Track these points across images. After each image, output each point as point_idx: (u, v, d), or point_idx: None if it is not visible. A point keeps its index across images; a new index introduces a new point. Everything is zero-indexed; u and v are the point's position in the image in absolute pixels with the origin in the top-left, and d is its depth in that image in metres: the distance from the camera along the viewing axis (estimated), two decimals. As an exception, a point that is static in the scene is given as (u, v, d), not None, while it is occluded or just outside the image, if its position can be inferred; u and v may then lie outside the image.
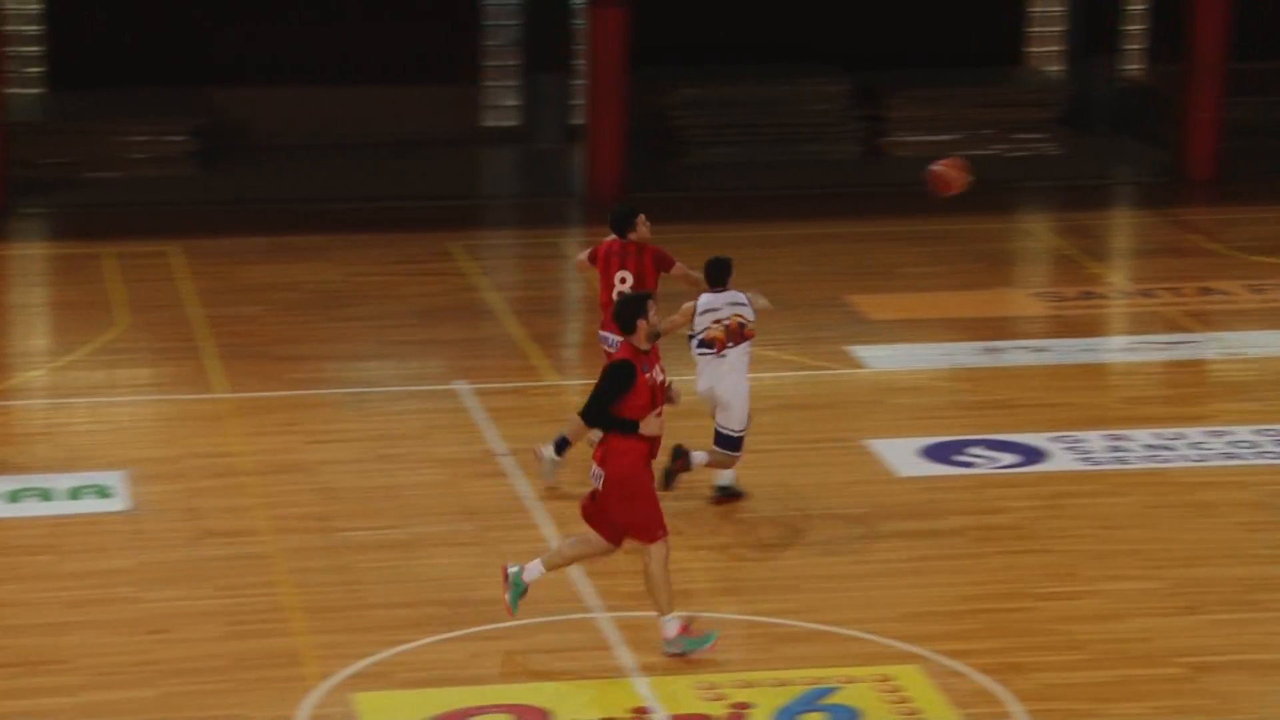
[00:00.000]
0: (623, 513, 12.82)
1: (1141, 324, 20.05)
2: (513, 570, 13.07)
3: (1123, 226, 24.28)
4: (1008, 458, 16.42)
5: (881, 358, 19.02)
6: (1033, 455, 16.45)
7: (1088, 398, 17.86)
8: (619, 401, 12.72)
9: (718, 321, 15.09)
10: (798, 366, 18.92)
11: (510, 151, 27.29)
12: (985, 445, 16.64)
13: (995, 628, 13.40)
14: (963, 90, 27.03)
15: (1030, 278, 21.84)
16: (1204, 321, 19.95)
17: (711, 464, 15.21)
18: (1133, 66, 28.41)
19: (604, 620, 13.38)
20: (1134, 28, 28.45)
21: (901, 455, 16.46)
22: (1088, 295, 20.86)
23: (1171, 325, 19.74)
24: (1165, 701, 12.34)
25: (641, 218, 15.78)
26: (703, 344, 15.09)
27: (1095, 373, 18.76)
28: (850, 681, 12.58)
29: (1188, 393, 17.73)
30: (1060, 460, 16.36)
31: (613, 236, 15.80)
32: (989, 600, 13.86)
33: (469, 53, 27.32)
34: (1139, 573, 14.24)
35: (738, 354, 15.08)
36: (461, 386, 17.98)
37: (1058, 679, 12.64)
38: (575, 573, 13.76)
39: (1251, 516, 15.19)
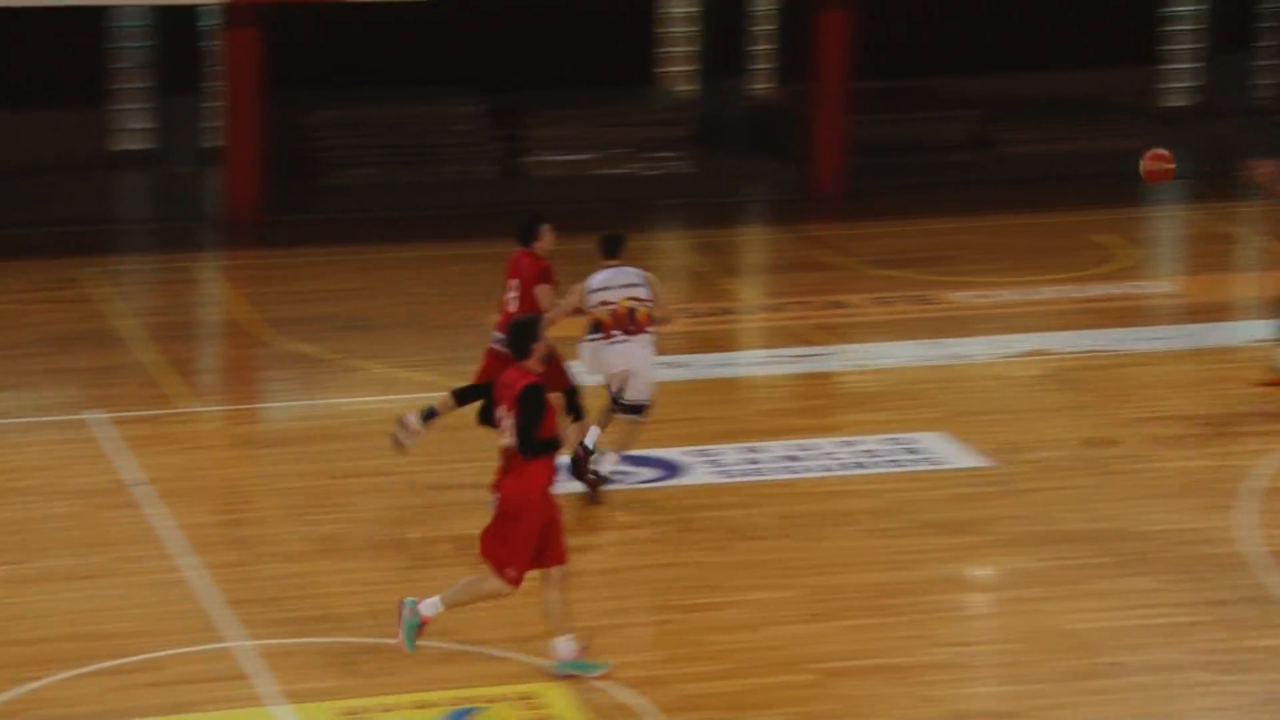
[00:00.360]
0: (500, 531, 12.63)
1: (773, 338, 20.36)
2: (409, 603, 12.76)
3: (754, 243, 24.62)
4: (647, 472, 16.52)
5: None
6: (671, 469, 16.58)
7: (723, 411, 18.06)
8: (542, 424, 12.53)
9: (606, 304, 15.15)
10: (441, 388, 18.81)
11: (143, 175, 26.83)
12: (624, 460, 16.71)
13: (637, 641, 13.49)
14: (598, 110, 27.21)
15: (666, 294, 21.98)
16: (833, 334, 20.29)
17: (625, 446, 15.55)
18: (762, 86, 28.86)
19: (244, 649, 13.17)
20: (762, 49, 28.91)
21: (546, 475, 16.48)
22: (721, 311, 21.10)
23: (802, 339, 20.05)
24: (798, 708, 12.50)
25: (547, 227, 15.66)
26: (596, 327, 15.17)
27: (730, 387, 18.98)
28: (493, 700, 12.55)
29: (818, 404, 18.02)
30: (698, 474, 16.51)
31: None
32: (630, 614, 13.93)
33: (97, 76, 26.80)
34: (775, 582, 14.40)
35: (643, 338, 15.24)
36: (93, 416, 17.59)
37: (697, 689, 12.74)
38: (211, 603, 13.54)
39: (882, 524, 15.46)
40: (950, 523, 15.48)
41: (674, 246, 23.87)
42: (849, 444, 17.05)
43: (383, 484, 16.30)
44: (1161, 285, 22.12)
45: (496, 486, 12.71)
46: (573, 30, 27.80)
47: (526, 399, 12.52)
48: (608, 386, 15.58)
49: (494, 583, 12.68)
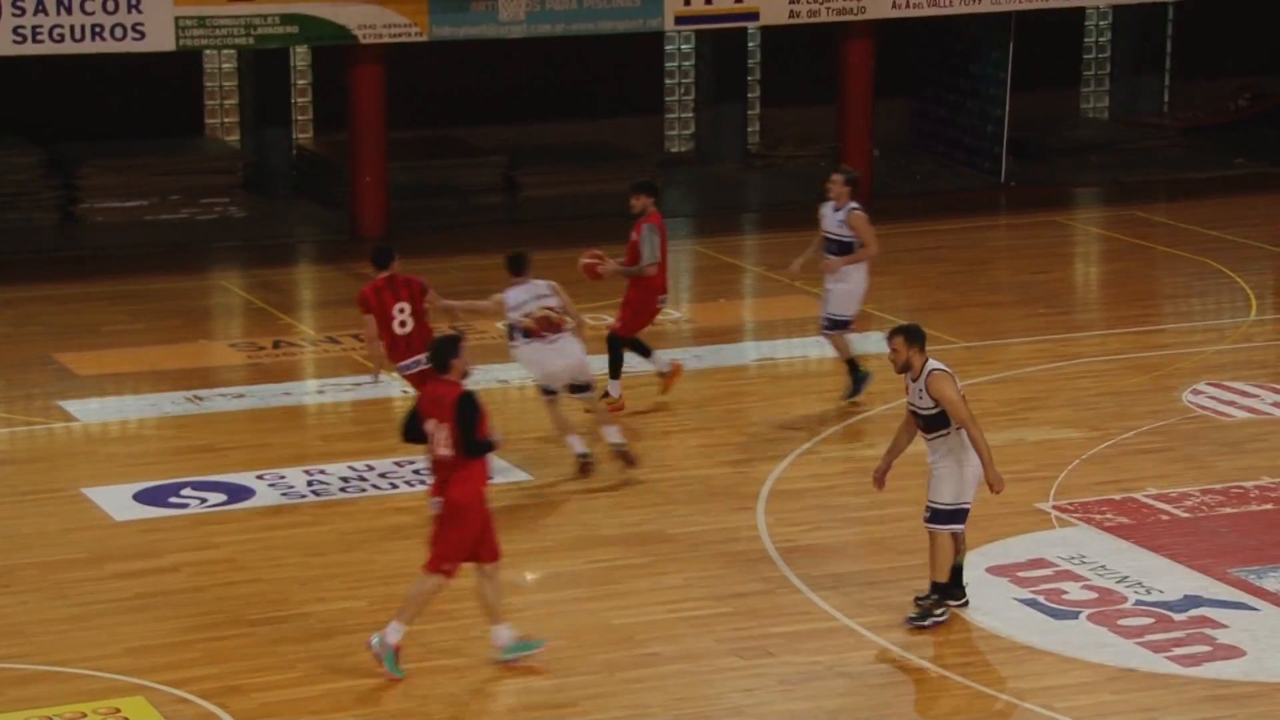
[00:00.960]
0: (443, 532, 12.77)
1: (329, 368, 20.22)
2: (374, 640, 12.80)
3: (306, 280, 24.42)
4: (217, 496, 16.29)
5: (91, 410, 18.59)
6: (240, 493, 16.37)
7: (287, 437, 17.89)
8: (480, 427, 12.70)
9: (527, 315, 16.17)
10: (10, 424, 18.31)
11: None
12: (196, 486, 16.47)
13: (214, 655, 13.27)
14: (150, 159, 26.70)
15: (227, 330, 21.71)
16: (385, 363, 20.19)
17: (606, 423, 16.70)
18: (305, 136, 28.69)
19: None
20: (304, 101, 28.75)
21: (117, 501, 16.13)
22: (280, 344, 20.90)
23: (356, 368, 19.97)
24: (369, 708, 12.51)
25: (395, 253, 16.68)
26: (525, 334, 16.23)
27: (293, 414, 18.80)
28: (80, 717, 12.25)
29: (375, 428, 17.95)
30: (266, 496, 16.32)
31: (379, 275, 16.34)
32: (207, 630, 13.70)
33: None
34: (342, 594, 14.34)
35: (567, 335, 16.31)
36: None
37: (274, 697, 12.63)
38: None
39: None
40: (499, 531, 15.56)
41: (231, 285, 23.53)
42: (404, 463, 17.05)
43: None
44: (673, 313, 22.57)
45: (437, 492, 12.97)
46: (125, 84, 27.26)
47: (462, 406, 12.74)
48: (546, 384, 16.58)
49: (432, 581, 12.87)
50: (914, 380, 13.48)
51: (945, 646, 13.22)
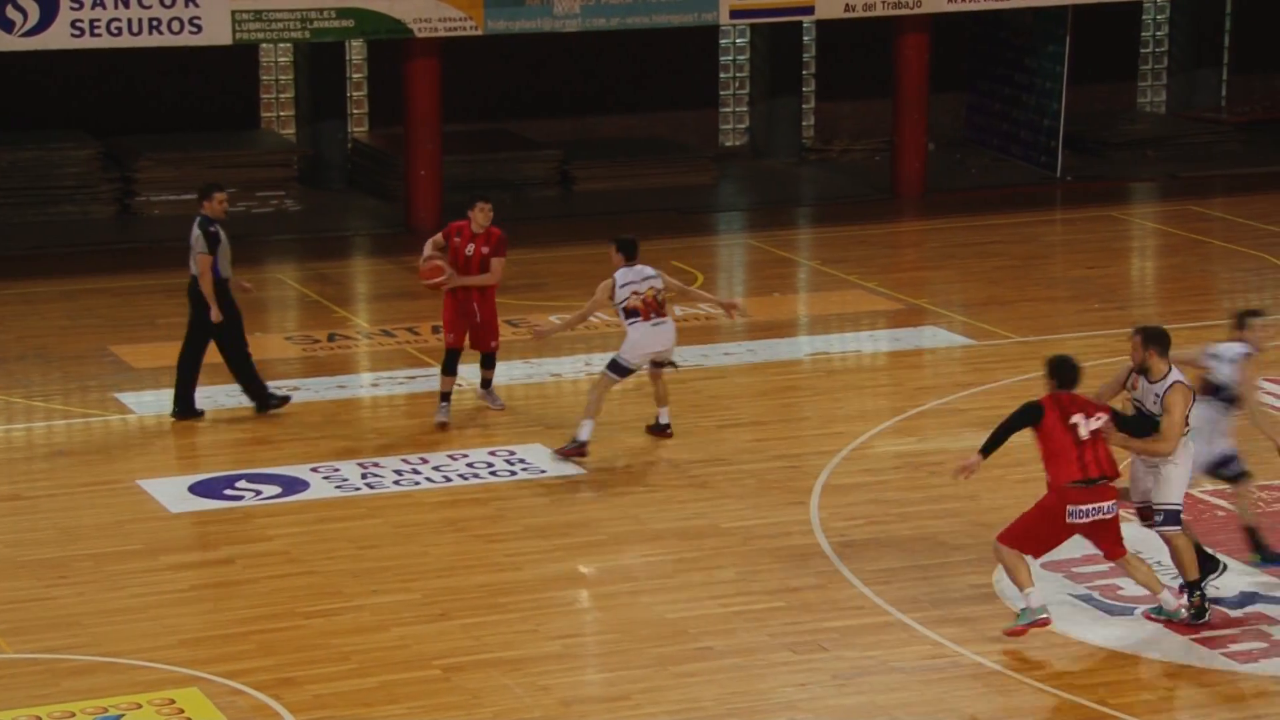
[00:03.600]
0: None
1: (384, 361, 20.26)
2: None
3: (361, 273, 24.48)
4: (271, 489, 16.34)
5: (147, 403, 18.66)
6: (295, 485, 16.41)
7: (341, 430, 17.93)
8: None
9: (636, 294, 16.88)
10: (67, 415, 18.40)
11: None
12: (250, 479, 16.52)
13: (268, 647, 13.31)
14: (206, 153, 26.78)
15: (282, 324, 21.76)
16: (439, 357, 20.23)
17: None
18: (360, 129, 28.75)
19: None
20: (359, 94, 28.80)
21: (172, 493, 16.19)
22: (335, 337, 20.95)
23: (410, 361, 20.01)
24: (422, 701, 12.50)
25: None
26: (629, 313, 16.88)
27: (347, 407, 18.83)
28: (135, 708, 12.30)
29: (426, 421, 17.95)
30: (320, 489, 16.37)
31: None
32: (261, 622, 13.75)
33: None
34: (395, 586, 14.36)
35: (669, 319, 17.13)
36: None
37: (327, 689, 12.65)
38: None
39: (491, 529, 15.52)
40: (553, 525, 15.60)
41: (287, 278, 23.61)
42: (458, 457, 17.07)
43: (16, 507, 15.94)
44: (729, 306, 22.54)
45: None
46: (181, 78, 27.37)
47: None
48: (637, 364, 17.07)
49: None
50: (1151, 383, 13.44)
51: (999, 642, 13.17)
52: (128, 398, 18.77)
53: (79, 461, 17.13)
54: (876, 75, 28.51)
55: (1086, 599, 13.95)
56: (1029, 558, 13.23)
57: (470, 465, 16.85)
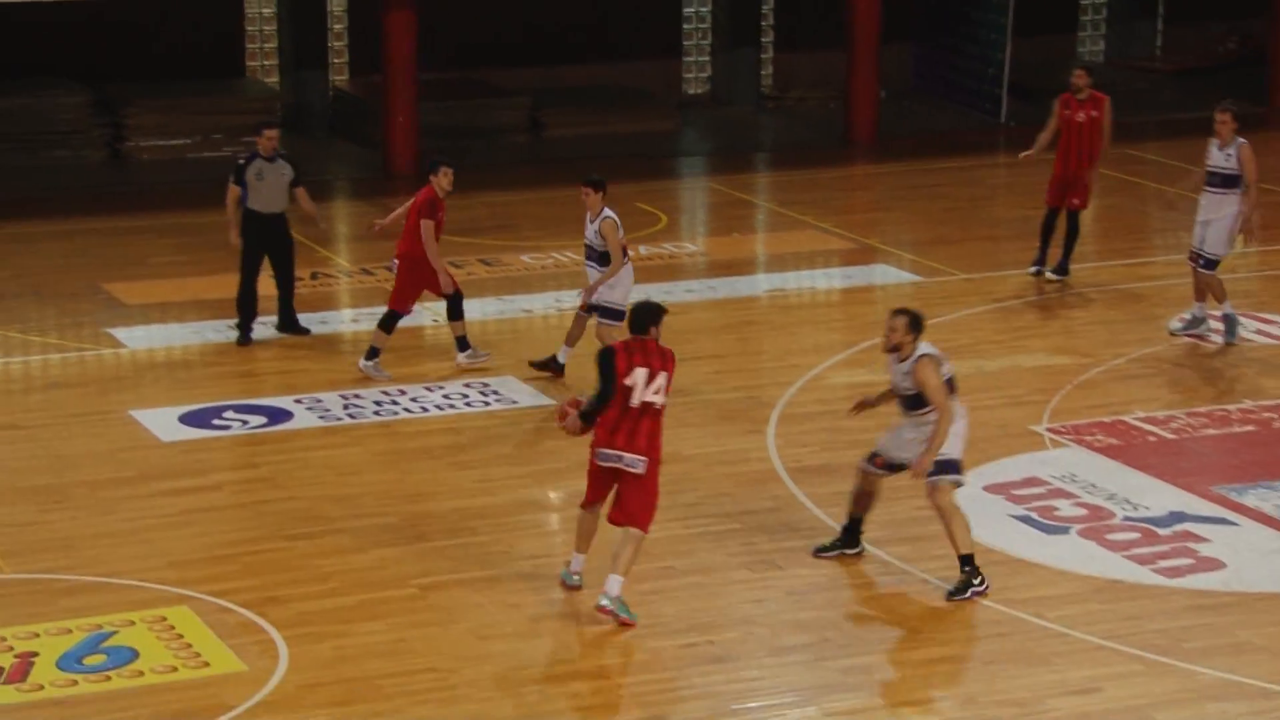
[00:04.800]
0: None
1: (364, 298, 20.25)
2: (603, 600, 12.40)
3: (342, 216, 24.41)
4: (258, 419, 16.35)
5: (139, 338, 18.66)
6: (280, 415, 16.43)
7: (324, 363, 17.92)
8: None
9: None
10: (62, 349, 18.39)
11: None
12: (238, 409, 16.54)
13: (253, 568, 13.36)
14: (193, 100, 26.68)
15: (267, 263, 21.67)
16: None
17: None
18: (341, 78, 28.64)
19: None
20: (339, 44, 28.69)
21: (163, 423, 16.20)
22: (317, 275, 20.92)
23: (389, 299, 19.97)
24: (399, 618, 12.55)
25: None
26: (625, 251, 16.38)
27: (329, 341, 18.82)
28: (128, 625, 12.35)
29: (407, 354, 17.97)
30: (304, 419, 16.39)
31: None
32: (247, 544, 13.80)
33: None
34: (374, 510, 14.41)
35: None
36: None
37: (310, 607, 12.71)
38: None
39: (466, 456, 15.56)
40: (523, 454, 15.65)
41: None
42: (435, 389, 17.10)
43: (14, 436, 15.94)
44: (689, 246, 22.58)
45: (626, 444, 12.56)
46: (167, 28, 27.26)
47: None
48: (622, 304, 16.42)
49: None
50: (900, 362, 12.79)
51: (944, 560, 13.26)
52: (120, 333, 18.75)
53: (73, 393, 17.13)
54: (831, 27, 28.49)
55: (1025, 519, 14.06)
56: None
57: (446, 397, 16.89)
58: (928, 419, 12.79)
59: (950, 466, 12.78)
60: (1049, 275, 20.17)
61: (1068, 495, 14.45)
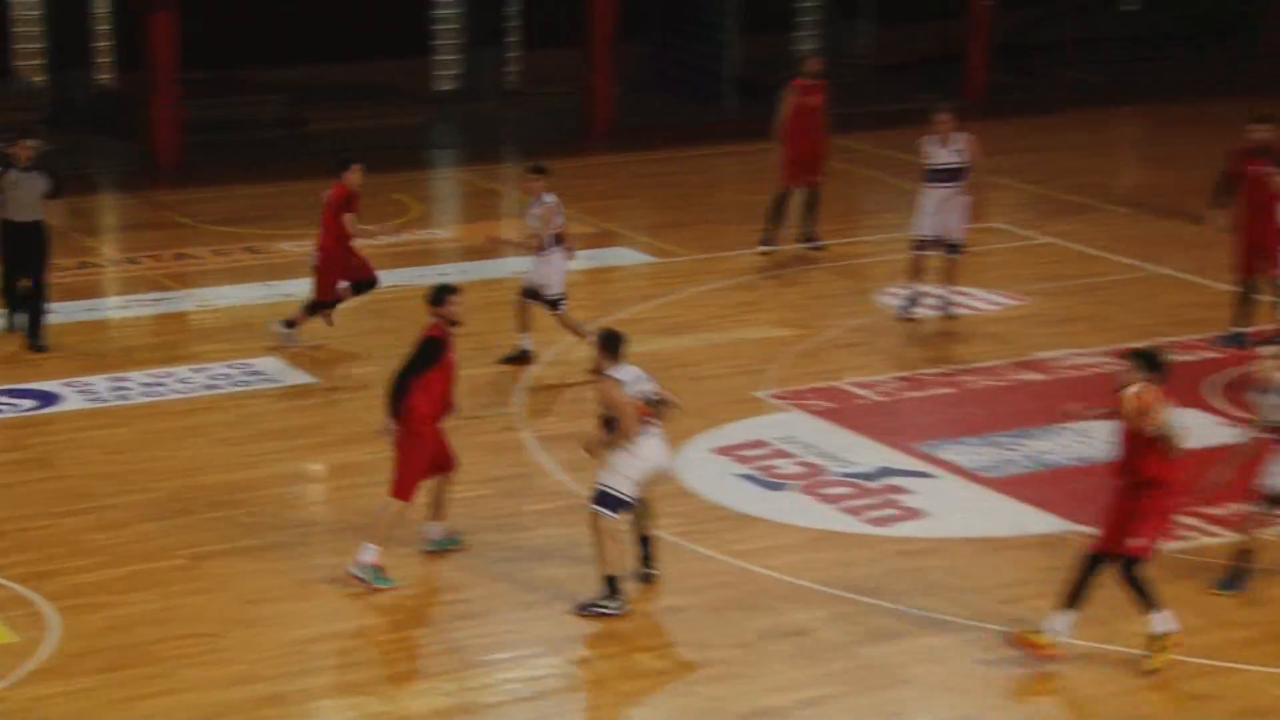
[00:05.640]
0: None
1: (131, 286, 19.90)
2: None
3: (109, 208, 23.96)
4: (28, 402, 16.01)
5: (-89, 328, 18.15)
6: (49, 399, 16.11)
7: (93, 349, 17.59)
8: None
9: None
10: None
11: None
12: (7, 394, 16.17)
13: (23, 543, 13.10)
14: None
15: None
16: (181, 281, 20.01)
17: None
18: (105, 75, 28.06)
19: None
20: (103, 43, 28.12)
21: (-65, 409, 15.82)
22: (85, 265, 20.51)
23: (155, 285, 19.71)
24: (170, 587, 12.39)
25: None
26: (558, 240, 15.94)
27: (97, 327, 18.47)
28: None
29: (173, 339, 17.73)
30: (73, 401, 16.08)
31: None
32: (17, 521, 13.51)
33: None
34: (142, 487, 14.18)
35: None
36: None
37: (82, 579, 12.50)
38: None
39: (232, 433, 15.39)
40: (286, 429, 15.53)
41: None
42: (200, 370, 16.89)
43: None
44: (440, 233, 22.55)
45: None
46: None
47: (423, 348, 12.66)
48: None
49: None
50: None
51: (677, 517, 13.44)
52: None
53: None
54: (571, 26, 28.57)
55: (749, 478, 14.29)
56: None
57: (211, 377, 16.68)
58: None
59: (606, 499, 11.96)
60: (807, 247, 20.54)
61: (787, 455, 14.72)
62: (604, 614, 12.02)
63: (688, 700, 10.96)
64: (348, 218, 17.15)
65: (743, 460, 14.60)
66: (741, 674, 11.22)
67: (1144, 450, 10.90)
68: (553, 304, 16.78)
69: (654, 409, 12.06)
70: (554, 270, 16.71)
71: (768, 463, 14.57)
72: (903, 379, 16.56)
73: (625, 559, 12.17)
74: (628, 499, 11.96)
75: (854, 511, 13.65)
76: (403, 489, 12.55)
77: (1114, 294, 19.19)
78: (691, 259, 20.89)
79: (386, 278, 19.96)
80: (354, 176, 17.24)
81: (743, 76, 28.83)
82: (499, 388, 16.48)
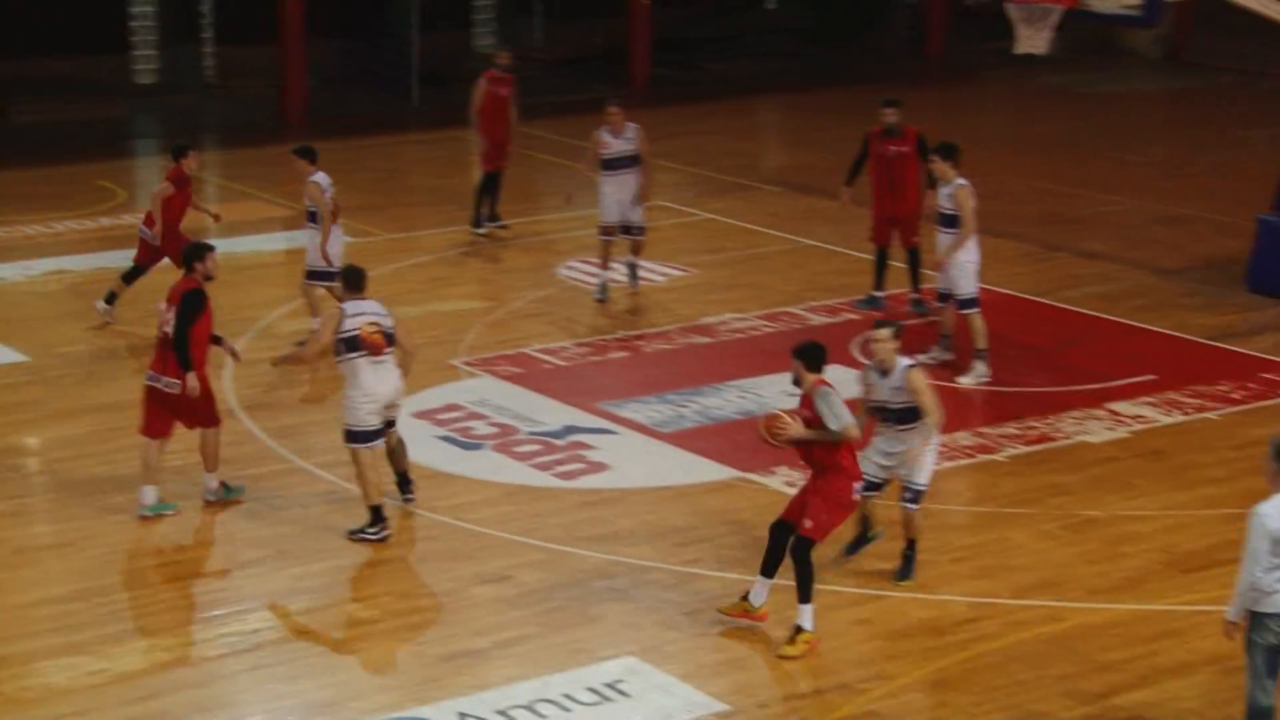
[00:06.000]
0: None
1: None
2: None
3: None
4: None
5: None
6: None
7: None
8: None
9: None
10: None
11: None
12: None
13: None
14: None
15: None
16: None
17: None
18: None
19: None
20: None
21: None
22: None
23: None
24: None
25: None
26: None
27: None
28: None
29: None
30: None
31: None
32: None
33: None
34: None
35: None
36: None
37: None
38: None
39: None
40: (3, 405, 14.87)
41: None
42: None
43: None
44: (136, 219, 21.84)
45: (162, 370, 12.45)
46: None
47: (186, 300, 12.40)
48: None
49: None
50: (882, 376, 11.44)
51: (384, 477, 13.26)
52: None
53: None
54: (266, 23, 27.96)
55: (447, 439, 14.18)
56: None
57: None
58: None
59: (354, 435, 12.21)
60: (493, 227, 20.42)
61: (481, 417, 14.64)
62: (369, 540, 12.14)
63: (393, 645, 10.84)
64: (164, 188, 16.75)
65: (441, 423, 14.48)
66: (444, 620, 11.13)
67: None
68: (321, 277, 16.00)
69: (386, 342, 12.15)
70: (333, 247, 16.07)
71: (464, 425, 14.47)
72: (584, 344, 16.61)
73: (382, 488, 12.29)
74: (371, 429, 12.18)
75: (544, 467, 13.64)
76: (201, 420, 12.70)
77: (768, 264, 19.54)
78: (388, 238, 20.63)
79: (96, 261, 19.33)
80: (191, 162, 16.90)
81: (425, 70, 28.57)
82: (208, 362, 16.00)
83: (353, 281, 12.31)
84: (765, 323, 17.18)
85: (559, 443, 14.11)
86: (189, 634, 10.96)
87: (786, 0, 34.58)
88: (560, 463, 13.72)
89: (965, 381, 15.13)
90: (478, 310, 17.74)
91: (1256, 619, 8.95)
